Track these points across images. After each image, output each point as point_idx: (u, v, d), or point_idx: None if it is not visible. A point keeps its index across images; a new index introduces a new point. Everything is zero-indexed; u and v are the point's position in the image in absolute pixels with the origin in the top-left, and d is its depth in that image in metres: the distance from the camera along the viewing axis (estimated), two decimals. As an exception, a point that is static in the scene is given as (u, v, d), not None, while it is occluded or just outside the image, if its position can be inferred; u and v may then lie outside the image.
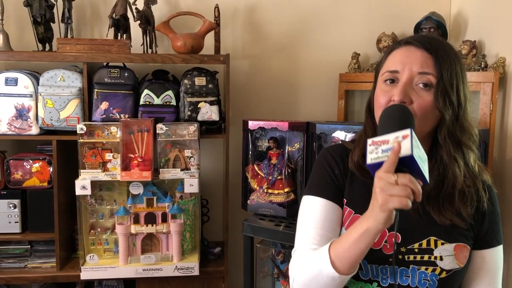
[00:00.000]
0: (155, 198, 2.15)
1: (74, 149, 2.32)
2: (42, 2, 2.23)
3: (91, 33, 2.47)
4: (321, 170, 1.24)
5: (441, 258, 1.08)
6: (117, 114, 2.13)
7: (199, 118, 2.17)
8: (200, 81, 2.18)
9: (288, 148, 2.13)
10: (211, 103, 2.18)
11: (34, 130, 2.10)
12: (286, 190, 2.10)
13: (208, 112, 2.17)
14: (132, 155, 2.09)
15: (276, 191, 2.12)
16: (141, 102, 2.16)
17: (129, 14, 2.29)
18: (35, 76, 2.16)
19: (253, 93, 2.59)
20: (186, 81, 2.18)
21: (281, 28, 2.58)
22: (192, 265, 2.16)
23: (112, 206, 2.19)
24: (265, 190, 2.14)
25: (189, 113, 2.16)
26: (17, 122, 2.08)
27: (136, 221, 2.15)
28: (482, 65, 2.13)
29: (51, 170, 2.16)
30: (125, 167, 2.07)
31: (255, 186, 2.18)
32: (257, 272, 2.17)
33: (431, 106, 1.06)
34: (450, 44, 1.18)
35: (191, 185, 2.10)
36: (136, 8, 2.23)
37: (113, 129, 2.10)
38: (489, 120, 2.04)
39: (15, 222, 2.17)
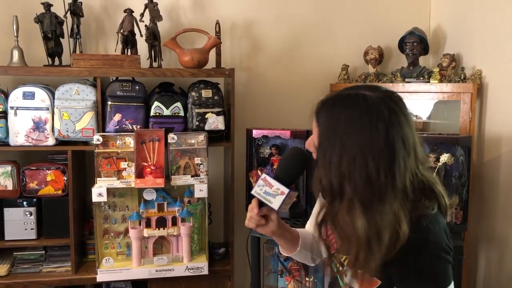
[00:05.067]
0: (165, 203, 2.30)
1: (84, 158, 2.46)
2: (52, 18, 2.34)
3: (96, 47, 2.59)
4: None
5: (345, 274, 1.22)
6: (129, 125, 2.26)
7: (207, 127, 2.32)
8: (206, 93, 2.33)
9: (289, 155, 2.30)
10: (217, 113, 2.34)
11: (51, 141, 2.21)
12: (288, 193, 2.27)
13: (215, 122, 2.33)
14: (144, 163, 2.22)
15: (279, 194, 2.29)
16: (152, 113, 2.30)
17: (135, 30, 2.42)
18: (50, 89, 2.27)
19: (251, 102, 2.76)
20: (193, 93, 2.33)
21: (276, 42, 2.76)
22: (201, 265, 2.31)
23: (124, 211, 2.32)
24: (269, 194, 2.30)
25: (197, 123, 2.31)
26: (35, 134, 2.18)
27: (148, 225, 2.28)
28: (462, 77, 2.37)
29: (65, 178, 2.27)
30: (138, 174, 2.21)
31: (259, 190, 2.34)
32: (263, 270, 2.34)
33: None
34: (347, 93, 1.12)
35: (201, 190, 2.26)
36: (146, 25, 2.37)
37: (127, 139, 2.23)
38: (469, 126, 2.29)
39: (31, 229, 2.27)
